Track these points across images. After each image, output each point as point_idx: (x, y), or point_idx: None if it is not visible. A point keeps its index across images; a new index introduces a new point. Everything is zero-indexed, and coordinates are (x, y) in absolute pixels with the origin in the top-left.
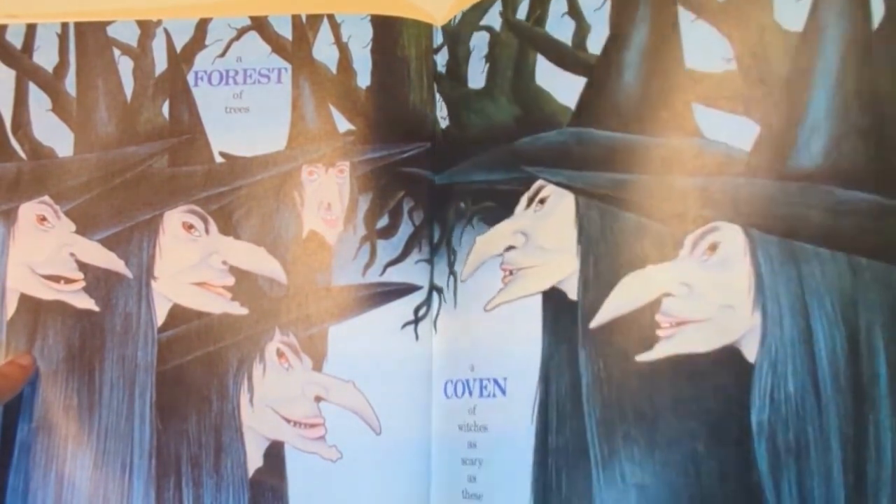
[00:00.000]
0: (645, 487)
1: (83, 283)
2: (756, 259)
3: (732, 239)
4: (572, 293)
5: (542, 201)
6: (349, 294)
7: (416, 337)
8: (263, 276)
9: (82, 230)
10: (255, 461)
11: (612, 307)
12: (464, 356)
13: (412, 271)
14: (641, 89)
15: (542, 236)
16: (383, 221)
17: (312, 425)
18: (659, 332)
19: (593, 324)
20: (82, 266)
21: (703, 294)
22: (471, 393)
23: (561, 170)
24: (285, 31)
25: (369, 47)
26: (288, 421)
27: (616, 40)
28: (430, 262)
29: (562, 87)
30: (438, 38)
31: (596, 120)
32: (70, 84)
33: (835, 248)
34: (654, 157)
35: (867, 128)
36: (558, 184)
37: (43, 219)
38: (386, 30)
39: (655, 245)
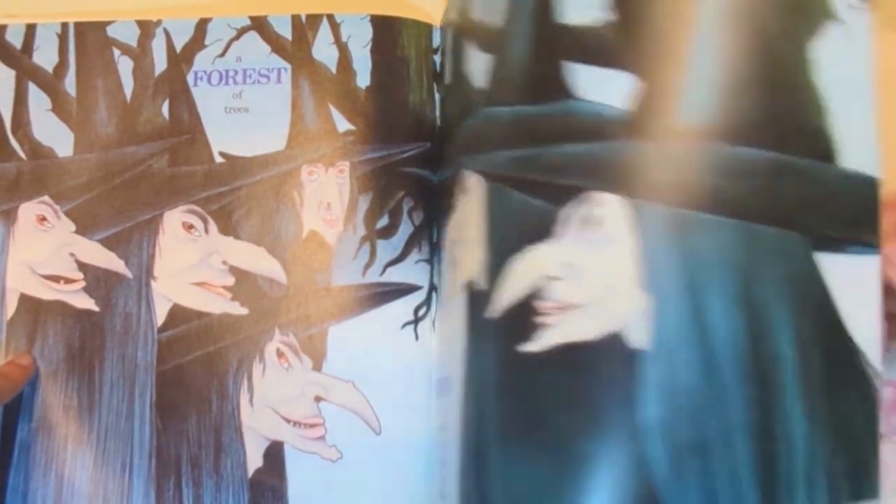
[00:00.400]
0: (541, 494)
1: (83, 283)
2: (641, 232)
3: (613, 211)
4: (481, 284)
5: (465, 192)
6: (349, 294)
7: (416, 337)
8: (263, 276)
9: (82, 230)
10: (254, 461)
11: (503, 296)
12: (442, 355)
13: (412, 271)
14: (526, 55)
15: (463, 229)
16: (383, 221)
17: (312, 425)
18: (543, 320)
19: (487, 314)
20: (82, 266)
21: (586, 275)
22: (439, 392)
23: (476, 154)
24: (285, 31)
25: (369, 47)
26: (288, 421)
27: (510, 7)
28: (430, 262)
29: (477, 67)
30: (438, 38)
31: (499, 96)
32: (70, 84)
33: (729, 215)
34: (537, 127)
35: (757, 76)
36: (473, 170)
37: (43, 219)
38: (386, 30)
39: (536, 224)
